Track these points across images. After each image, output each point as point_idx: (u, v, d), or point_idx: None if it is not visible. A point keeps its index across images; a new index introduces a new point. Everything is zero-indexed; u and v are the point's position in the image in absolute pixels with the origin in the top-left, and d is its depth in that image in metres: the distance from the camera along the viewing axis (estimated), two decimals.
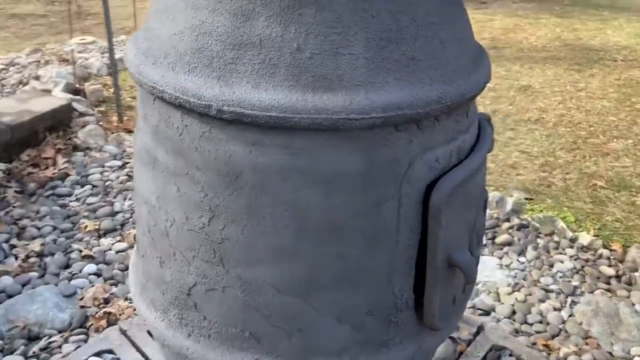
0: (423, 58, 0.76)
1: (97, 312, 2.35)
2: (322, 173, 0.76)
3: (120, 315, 2.29)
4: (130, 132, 3.92)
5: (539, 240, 2.94)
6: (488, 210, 3.05)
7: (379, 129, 0.75)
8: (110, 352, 2.02)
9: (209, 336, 0.89)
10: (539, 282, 2.66)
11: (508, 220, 3.05)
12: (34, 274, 2.56)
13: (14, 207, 3.04)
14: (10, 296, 2.44)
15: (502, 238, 2.92)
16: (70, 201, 3.11)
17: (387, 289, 0.85)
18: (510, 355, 2.04)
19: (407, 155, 0.79)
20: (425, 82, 0.75)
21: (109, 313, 2.35)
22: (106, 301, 2.44)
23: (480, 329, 2.13)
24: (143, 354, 1.98)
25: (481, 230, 0.96)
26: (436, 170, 0.81)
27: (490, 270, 2.71)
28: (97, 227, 2.82)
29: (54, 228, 2.89)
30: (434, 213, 0.81)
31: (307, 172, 0.76)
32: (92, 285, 2.49)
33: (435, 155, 0.81)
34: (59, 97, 3.82)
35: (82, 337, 2.22)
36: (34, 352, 2.18)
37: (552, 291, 2.60)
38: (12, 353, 2.17)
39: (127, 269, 2.29)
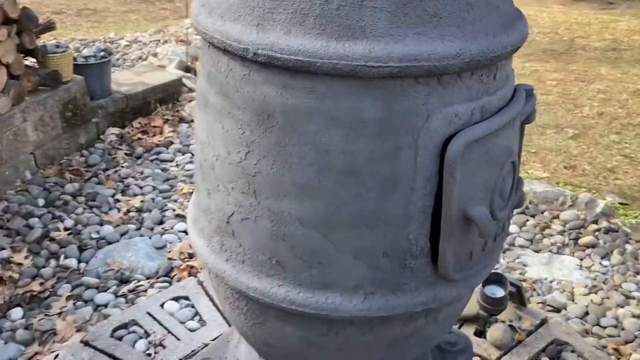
0: (446, 16, 0.81)
1: (181, 265, 2.57)
2: (343, 117, 0.84)
3: (200, 269, 2.49)
4: None
5: (627, 246, 2.81)
6: (574, 211, 2.95)
7: (399, 80, 0.82)
8: (186, 298, 2.21)
9: (243, 262, 1.00)
10: (621, 287, 2.55)
11: (596, 222, 2.93)
12: (132, 226, 2.84)
13: (122, 167, 3.36)
14: (109, 243, 2.73)
15: (586, 239, 2.82)
16: (171, 166, 3.39)
17: (402, 233, 0.91)
18: (572, 351, 2.00)
19: (426, 107, 0.84)
20: (446, 38, 0.81)
21: (191, 267, 2.56)
22: (190, 256, 2.65)
23: (543, 322, 2.10)
24: (214, 303, 2.15)
25: (508, 194, 1.00)
26: (455, 125, 0.86)
27: (568, 269, 2.64)
28: (191, 190, 3.06)
29: (154, 188, 3.17)
30: (449, 165, 0.86)
31: (329, 116, 0.84)
32: (180, 241, 2.73)
33: (455, 111, 0.86)
34: (171, 73, 4.14)
35: (165, 284, 2.45)
36: (123, 292, 2.43)
37: (633, 298, 2.49)
38: (105, 291, 2.43)
39: None
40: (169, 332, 2.04)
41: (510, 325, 2.09)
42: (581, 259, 2.72)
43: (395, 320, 1.00)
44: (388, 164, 0.87)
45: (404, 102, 0.84)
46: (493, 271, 2.24)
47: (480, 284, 2.07)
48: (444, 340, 1.44)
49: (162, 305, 2.16)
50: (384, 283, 0.96)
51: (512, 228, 2.90)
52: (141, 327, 2.07)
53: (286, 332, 1.04)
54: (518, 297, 2.13)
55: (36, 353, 2.09)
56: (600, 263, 2.70)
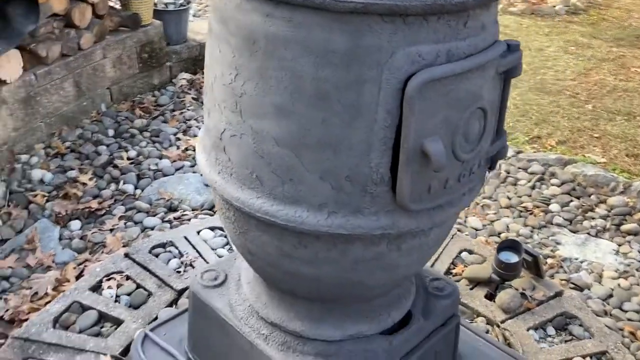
0: None
1: None
2: (315, 47, 0.94)
3: None
4: None
5: None
6: (624, 197, 2.89)
7: (365, 16, 0.91)
8: (221, 229, 2.39)
9: (231, 175, 1.13)
10: None
11: None
12: (187, 163, 3.06)
13: (187, 109, 3.59)
14: (164, 175, 2.96)
15: (629, 226, 2.78)
16: None
17: (364, 160, 1.01)
18: (580, 325, 2.02)
19: (391, 45, 0.93)
20: None
21: None
22: None
23: (557, 294, 2.13)
24: None
25: (476, 138, 1.07)
26: (418, 64, 0.95)
27: (603, 253, 2.62)
28: None
29: None
30: (407, 100, 0.95)
31: (303, 44, 0.95)
32: None
33: (418, 51, 0.94)
34: None
35: (207, 217, 2.64)
36: (169, 219, 2.65)
37: None
38: (154, 216, 2.66)
39: None
40: (200, 255, 2.23)
41: (522, 293, 2.13)
42: (619, 245, 2.68)
43: (357, 241, 1.11)
44: (353, 93, 0.97)
45: (370, 37, 0.93)
46: (510, 237, 2.28)
47: (496, 249, 2.12)
48: (432, 285, 1.53)
49: (198, 232, 2.36)
50: (346, 204, 1.06)
51: (553, 207, 2.88)
52: (177, 248, 2.28)
53: (264, 242, 1.18)
54: (535, 267, 2.17)
55: (86, 260, 2.35)
56: (639, 251, 2.65)
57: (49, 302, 2.05)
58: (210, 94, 1.13)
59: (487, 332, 2.01)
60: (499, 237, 2.64)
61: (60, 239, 2.51)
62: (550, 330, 2.04)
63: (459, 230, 2.56)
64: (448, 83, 0.97)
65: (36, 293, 2.17)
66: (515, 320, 2.03)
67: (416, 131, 0.98)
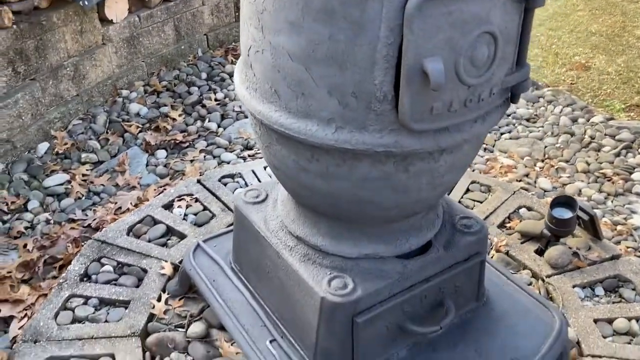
0: None
1: None
2: None
3: None
4: None
5: None
6: None
7: None
8: None
9: (255, 90, 1.24)
10: None
11: None
12: None
13: None
14: (246, 117, 3.14)
15: None
16: None
17: (368, 78, 1.08)
18: (633, 289, 1.97)
19: None
20: None
21: None
22: None
23: (614, 257, 2.07)
24: None
25: (484, 64, 1.09)
26: None
27: None
28: None
29: None
30: (407, 18, 1.00)
31: None
32: None
33: None
34: None
35: None
36: (243, 155, 2.83)
37: None
38: (231, 152, 2.85)
39: None
40: None
41: (574, 252, 2.09)
42: None
43: (363, 158, 1.18)
44: (357, 9, 1.03)
45: None
46: (565, 194, 2.22)
47: (550, 205, 2.08)
48: (460, 222, 1.57)
49: (265, 168, 2.51)
50: (352, 120, 1.14)
51: (636, 175, 2.74)
52: (243, 179, 2.45)
53: (284, 155, 1.28)
54: (592, 228, 2.11)
55: (166, 184, 2.59)
56: None
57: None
58: (242, 14, 1.24)
59: (530, 284, 2.00)
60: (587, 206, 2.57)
61: (147, 164, 2.78)
62: (599, 290, 2.00)
63: (525, 189, 2.52)
64: (449, 3, 1.01)
65: (120, 207, 2.43)
66: (561, 276, 2.01)
67: (416, 49, 1.03)
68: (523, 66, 1.22)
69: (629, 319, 1.87)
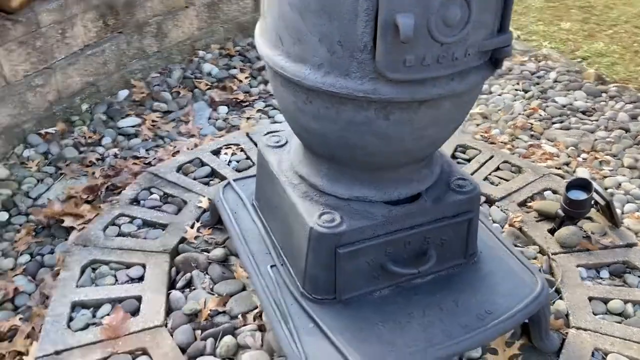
0: None
1: None
2: None
3: None
4: None
5: None
6: None
7: None
8: None
9: (267, 37, 1.44)
10: None
11: None
12: None
13: None
14: None
15: None
16: None
17: (352, 28, 1.24)
18: (639, 276, 2.00)
19: None
20: None
21: None
22: None
23: (628, 245, 2.11)
24: None
25: (457, 24, 1.23)
26: None
27: None
28: None
29: None
30: None
31: None
32: None
33: None
34: None
35: None
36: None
37: None
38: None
39: None
40: None
41: (587, 236, 2.14)
42: None
43: (348, 102, 1.34)
44: None
45: None
46: (581, 177, 2.26)
47: (565, 187, 2.14)
48: (455, 182, 1.69)
49: None
50: (338, 66, 1.31)
51: None
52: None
53: (286, 97, 1.47)
54: (609, 213, 2.15)
55: (221, 136, 2.85)
56: None
57: None
58: None
59: (535, 258, 2.08)
60: (605, 191, 2.58)
61: (209, 118, 3.06)
62: (604, 273, 2.04)
63: (560, 177, 2.56)
64: None
65: (178, 151, 2.72)
66: (568, 255, 2.07)
67: (390, 5, 1.18)
68: (505, 33, 1.34)
69: (625, 302, 1.92)
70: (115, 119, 3.00)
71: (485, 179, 2.45)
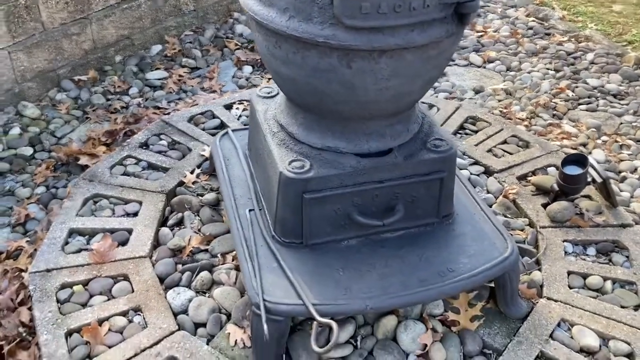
0: None
1: None
2: None
3: None
4: None
5: None
6: None
7: None
8: None
9: None
10: None
11: None
12: None
13: None
14: None
15: None
16: None
17: None
18: (626, 257, 1.98)
19: None
20: None
21: None
22: None
23: (622, 226, 2.07)
24: None
25: None
26: None
27: None
28: None
29: None
30: None
31: None
32: None
33: None
34: None
35: None
36: None
37: None
38: None
39: None
40: None
41: (580, 213, 2.11)
42: None
43: (311, 47, 1.39)
44: None
45: None
46: (576, 152, 2.22)
47: (561, 162, 2.11)
48: (431, 142, 1.71)
49: None
50: (301, 11, 1.36)
51: None
52: None
53: (260, 41, 1.53)
54: (605, 192, 2.11)
55: (241, 92, 2.95)
56: None
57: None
58: None
59: (523, 230, 2.07)
60: (617, 174, 2.52)
61: (233, 76, 3.16)
62: (591, 251, 2.01)
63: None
64: None
65: (196, 104, 2.84)
66: (557, 229, 2.05)
67: None
68: None
69: (605, 279, 1.89)
70: (145, 71, 3.14)
71: (490, 150, 2.44)
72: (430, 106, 2.72)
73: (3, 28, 2.67)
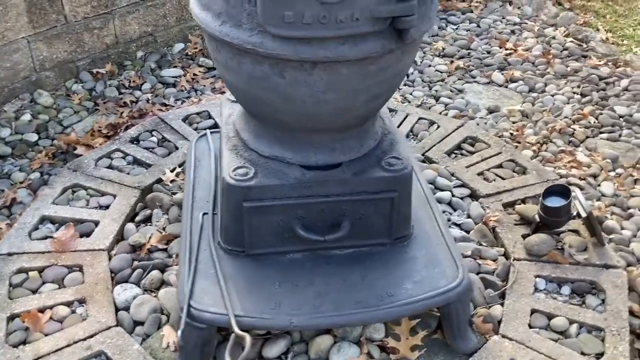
0: None
1: None
2: None
3: None
4: (559, 4, 4.05)
5: None
6: None
7: None
8: None
9: None
10: None
11: None
12: None
13: None
14: None
15: None
16: (445, 29, 3.67)
17: None
18: (602, 300, 1.85)
19: None
20: None
21: None
22: None
23: (605, 267, 1.94)
24: None
25: None
26: None
27: None
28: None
29: None
30: None
31: None
32: None
33: None
34: None
35: None
36: None
37: None
38: None
39: None
40: None
41: (561, 248, 1.98)
42: None
43: (245, 55, 1.37)
44: None
45: None
46: (560, 183, 2.08)
47: (543, 192, 1.99)
48: (386, 160, 1.64)
49: None
50: (232, 17, 1.33)
51: None
52: None
53: (207, 45, 1.52)
54: (589, 228, 1.97)
55: None
56: None
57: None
58: None
59: (495, 260, 1.96)
60: (624, 211, 2.34)
61: None
62: (565, 289, 1.88)
63: (580, 187, 2.36)
64: None
65: (201, 103, 2.86)
66: (532, 263, 1.93)
67: None
68: (407, 1, 1.28)
69: (571, 322, 1.76)
70: (163, 68, 3.20)
71: (481, 173, 2.32)
72: (432, 123, 2.63)
73: (24, 18, 2.79)
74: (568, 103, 3.04)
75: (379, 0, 1.27)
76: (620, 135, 2.81)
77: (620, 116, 2.94)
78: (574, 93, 3.12)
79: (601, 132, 2.84)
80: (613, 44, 3.76)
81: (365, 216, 1.66)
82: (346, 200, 1.62)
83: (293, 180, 1.59)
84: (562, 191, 1.96)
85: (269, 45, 1.31)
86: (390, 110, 2.70)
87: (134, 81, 3.08)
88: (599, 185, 2.48)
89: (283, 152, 1.62)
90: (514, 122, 2.88)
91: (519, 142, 2.69)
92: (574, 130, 2.83)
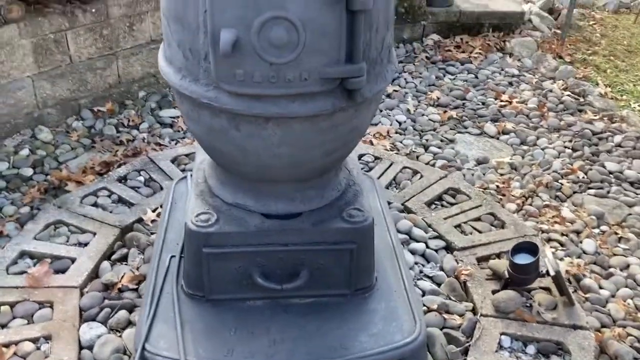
0: None
1: None
2: None
3: None
4: (560, 57, 4.09)
5: None
6: None
7: None
8: None
9: (161, 48, 1.56)
10: None
11: None
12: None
13: (414, 64, 3.89)
14: None
15: None
16: (447, 78, 3.73)
17: (197, 38, 1.33)
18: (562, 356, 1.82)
19: None
20: None
21: None
22: None
23: (574, 327, 1.92)
24: None
25: (283, 46, 1.26)
26: None
27: None
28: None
29: (415, 86, 3.64)
30: None
31: None
32: None
33: None
34: (517, 3, 4.25)
35: None
36: None
37: None
38: None
39: None
40: None
41: (531, 305, 1.97)
42: None
43: (204, 108, 1.42)
44: None
45: None
46: (529, 240, 2.08)
47: (512, 249, 1.99)
48: (347, 212, 1.67)
49: None
50: (191, 72, 1.39)
51: None
52: None
53: (175, 96, 1.59)
54: (557, 286, 1.96)
55: None
56: None
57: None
58: None
59: (461, 315, 1.95)
60: (605, 269, 2.32)
61: None
62: (531, 349, 1.86)
63: (560, 244, 2.37)
64: None
65: (192, 145, 2.93)
66: (498, 320, 1.92)
67: (214, 19, 1.25)
68: (354, 63, 1.33)
69: None
70: (162, 108, 3.30)
71: (458, 226, 2.33)
72: (415, 172, 2.66)
73: (30, 58, 2.91)
74: (558, 157, 3.05)
75: (327, 62, 1.32)
76: (608, 192, 2.80)
77: (611, 172, 2.94)
78: (565, 147, 3.13)
79: (589, 188, 2.84)
80: (611, 98, 3.77)
81: (325, 266, 1.68)
82: (305, 250, 1.65)
83: (253, 228, 1.62)
84: (532, 248, 1.96)
85: (223, 100, 1.37)
86: (376, 158, 2.74)
87: (133, 120, 3.18)
88: (580, 242, 2.47)
89: (245, 199, 1.66)
90: (501, 175, 2.89)
91: (504, 195, 2.70)
92: (562, 185, 2.83)
